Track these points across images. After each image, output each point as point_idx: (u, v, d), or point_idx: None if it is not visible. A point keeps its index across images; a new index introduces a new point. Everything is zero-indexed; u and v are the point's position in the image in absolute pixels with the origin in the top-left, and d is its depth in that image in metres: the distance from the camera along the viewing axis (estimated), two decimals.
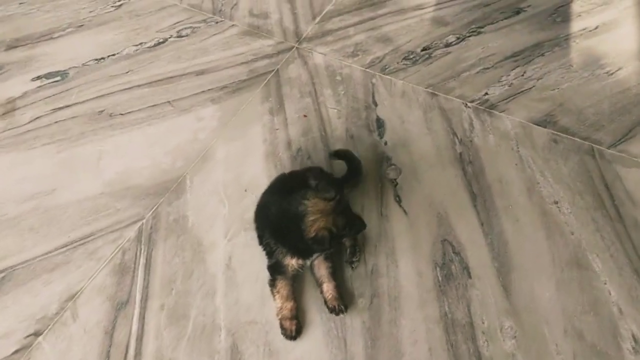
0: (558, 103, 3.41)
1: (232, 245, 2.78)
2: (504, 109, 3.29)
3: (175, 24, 4.15)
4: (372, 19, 4.08)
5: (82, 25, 4.21)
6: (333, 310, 2.49)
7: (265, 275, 2.58)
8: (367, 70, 3.58)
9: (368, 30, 3.89)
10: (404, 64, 3.61)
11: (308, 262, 2.56)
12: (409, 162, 3.06)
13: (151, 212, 3.03)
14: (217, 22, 4.15)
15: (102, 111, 3.56)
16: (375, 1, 4.21)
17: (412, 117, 3.29)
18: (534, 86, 3.52)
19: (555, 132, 3.18)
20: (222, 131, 3.33)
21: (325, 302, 2.53)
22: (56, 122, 3.53)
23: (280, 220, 2.44)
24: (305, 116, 3.44)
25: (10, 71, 3.85)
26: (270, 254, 2.56)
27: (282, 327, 2.48)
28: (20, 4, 4.40)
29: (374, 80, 3.51)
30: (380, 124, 3.29)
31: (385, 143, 3.19)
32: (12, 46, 4.04)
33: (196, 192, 3.14)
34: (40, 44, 4.07)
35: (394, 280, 2.59)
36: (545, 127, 3.17)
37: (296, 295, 2.55)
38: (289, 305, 2.50)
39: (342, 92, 3.46)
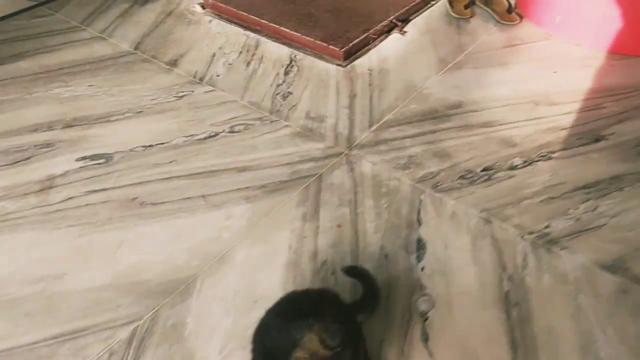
0: (633, 247, 2.93)
1: None
2: (566, 246, 2.86)
3: (230, 119, 4.14)
4: (432, 132, 3.85)
5: (140, 112, 4.30)
6: None
7: None
8: (417, 185, 3.28)
9: (426, 144, 3.68)
10: (459, 183, 3.31)
11: None
12: (445, 295, 2.70)
13: (151, 313, 2.84)
14: (271, 122, 4.09)
15: (135, 198, 3.51)
16: (440, 114, 3.99)
17: (458, 243, 2.96)
18: (605, 224, 3.08)
19: (626, 281, 2.69)
20: (249, 232, 3.15)
21: None
22: (87, 204, 3.50)
23: (277, 347, 2.12)
24: (339, 226, 3.20)
25: (59, 149, 3.94)
26: None
27: None
28: (90, 85, 4.58)
29: (422, 197, 3.22)
30: (420, 245, 2.97)
31: (422, 269, 2.84)
32: (69, 125, 4.18)
33: (204, 297, 2.94)
34: (95, 125, 4.17)
35: None
36: (614, 273, 2.71)
37: None
38: None
39: (385, 206, 3.19)
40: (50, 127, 4.25)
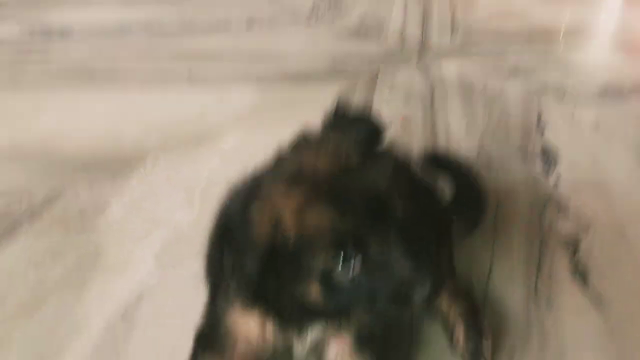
0: None
1: (161, 277, 1.46)
2: None
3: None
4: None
5: None
6: None
7: None
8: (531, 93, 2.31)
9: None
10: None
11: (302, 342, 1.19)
12: (608, 220, 1.67)
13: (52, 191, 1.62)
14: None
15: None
16: None
17: (614, 156, 1.97)
18: None
19: None
20: (251, 119, 2.22)
21: None
22: None
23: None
24: (404, 119, 2.04)
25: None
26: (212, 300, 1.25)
27: None
28: None
29: (541, 105, 2.32)
30: (547, 154, 1.97)
31: (556, 183, 1.82)
32: None
33: (154, 180, 1.82)
34: None
35: None
36: None
37: None
38: None
39: (482, 109, 2.27)
40: None
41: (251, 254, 0.96)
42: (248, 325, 1.13)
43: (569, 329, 1.30)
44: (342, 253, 0.96)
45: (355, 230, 0.97)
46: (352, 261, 0.97)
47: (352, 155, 1.05)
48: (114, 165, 1.85)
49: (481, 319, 1.24)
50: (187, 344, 1.20)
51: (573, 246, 1.53)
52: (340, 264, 0.97)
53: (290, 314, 1.11)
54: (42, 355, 1.22)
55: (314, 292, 1.04)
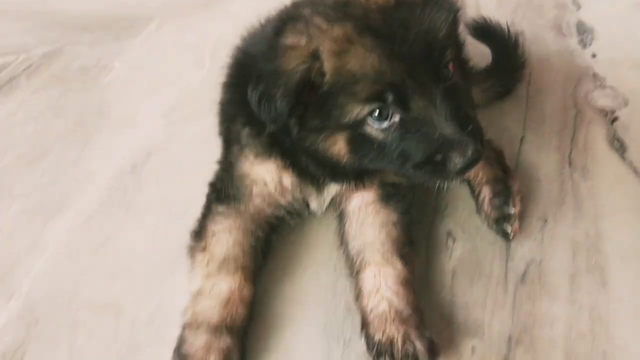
0: None
1: (170, 134, 1.38)
2: None
3: None
4: None
5: None
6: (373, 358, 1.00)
7: None
8: None
9: None
10: None
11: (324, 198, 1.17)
12: None
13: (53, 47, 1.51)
14: None
15: None
16: None
17: None
18: None
19: None
20: None
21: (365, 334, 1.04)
22: None
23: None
24: None
25: None
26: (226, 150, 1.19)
27: (180, 350, 0.95)
28: None
29: None
30: (583, 29, 1.82)
31: (594, 55, 1.69)
32: None
33: (160, 42, 1.70)
34: None
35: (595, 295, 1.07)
36: None
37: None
38: (230, 285, 1.04)
39: None
40: None
41: (282, 87, 0.86)
42: (264, 175, 1.08)
43: (606, 194, 1.24)
44: (381, 105, 0.89)
45: (400, 82, 0.88)
46: (390, 116, 0.91)
47: None
48: (117, 27, 1.74)
49: (510, 186, 1.16)
50: (199, 199, 1.14)
51: (610, 119, 1.45)
52: (377, 116, 0.90)
53: (310, 166, 1.04)
54: (46, 203, 1.18)
55: (340, 144, 0.95)
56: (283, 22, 0.94)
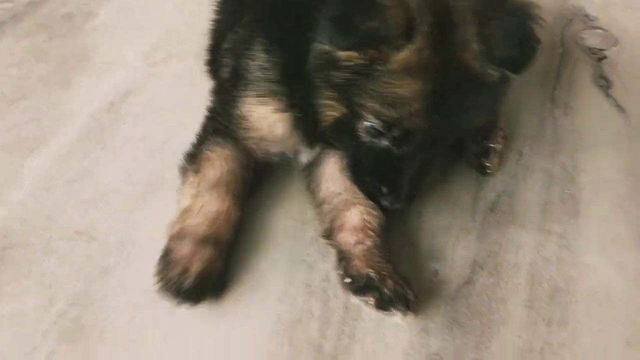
0: None
1: (150, 74, 1.39)
2: None
3: None
4: None
5: None
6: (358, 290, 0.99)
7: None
8: None
9: None
10: None
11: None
12: (637, 38, 1.55)
13: None
14: None
15: None
16: None
17: None
18: None
19: None
20: None
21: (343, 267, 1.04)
22: None
23: None
24: None
25: None
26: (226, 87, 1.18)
27: (165, 257, 0.98)
28: None
29: None
30: None
31: None
32: None
33: None
34: None
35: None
36: None
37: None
38: (218, 207, 1.07)
39: None
40: None
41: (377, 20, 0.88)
42: (263, 120, 1.09)
43: (586, 129, 1.26)
44: (387, 128, 0.94)
45: (415, 130, 0.93)
46: (382, 136, 0.95)
47: None
48: None
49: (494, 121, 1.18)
50: (175, 136, 1.18)
51: (598, 57, 1.45)
52: (374, 127, 0.94)
53: (310, 119, 1.05)
54: (26, 140, 1.20)
55: (333, 114, 0.98)
56: None
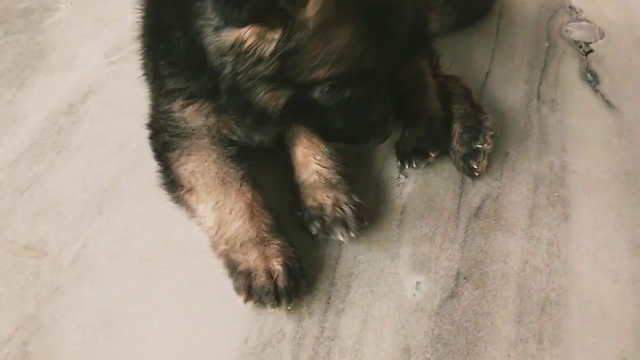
0: None
1: (110, 73, 1.31)
2: None
3: None
4: None
5: None
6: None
7: None
8: None
9: None
10: None
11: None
12: (624, 31, 1.49)
13: None
14: None
15: None
16: None
17: None
18: None
19: None
20: None
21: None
22: None
23: None
24: None
25: None
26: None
27: (238, 272, 0.96)
28: None
29: None
30: None
31: None
32: None
33: None
34: None
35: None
36: None
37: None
38: (243, 200, 1.04)
39: None
40: None
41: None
42: (199, 119, 1.03)
43: (574, 127, 1.19)
44: (343, 81, 0.88)
45: (371, 69, 0.89)
46: (343, 89, 0.90)
47: None
48: None
49: (482, 121, 1.11)
50: (134, 137, 1.10)
51: (585, 51, 1.39)
52: (331, 86, 0.89)
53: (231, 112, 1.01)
54: None
55: (281, 100, 0.90)
56: None
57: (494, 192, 1.02)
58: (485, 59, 1.34)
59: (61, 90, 1.25)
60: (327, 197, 0.99)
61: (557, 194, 1.02)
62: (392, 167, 1.08)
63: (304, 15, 0.82)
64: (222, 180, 1.04)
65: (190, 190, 1.03)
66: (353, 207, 0.98)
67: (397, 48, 0.89)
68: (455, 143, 1.13)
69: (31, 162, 1.07)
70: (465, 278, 0.90)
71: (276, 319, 0.86)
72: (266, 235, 0.98)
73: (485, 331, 0.84)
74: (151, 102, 1.10)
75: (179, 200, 1.05)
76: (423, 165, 1.12)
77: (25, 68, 1.32)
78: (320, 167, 1.05)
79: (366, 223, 0.99)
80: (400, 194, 1.03)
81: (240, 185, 1.03)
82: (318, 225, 1.00)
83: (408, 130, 1.18)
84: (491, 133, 1.11)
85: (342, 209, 0.99)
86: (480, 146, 1.08)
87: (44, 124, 1.16)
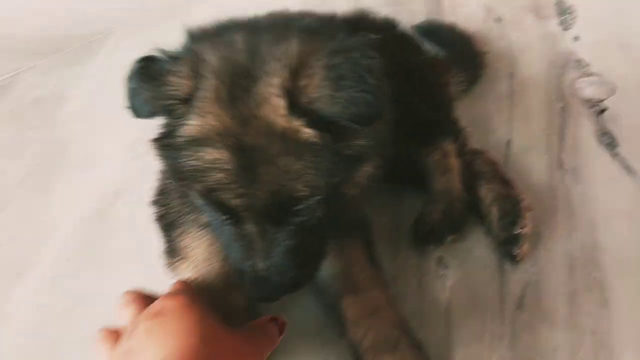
0: None
1: (137, 169, 1.30)
2: None
3: None
4: None
5: None
6: None
7: None
8: None
9: None
10: None
11: None
12: (634, 83, 1.45)
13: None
14: None
15: None
16: None
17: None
18: None
19: None
20: None
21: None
22: None
23: None
24: None
25: None
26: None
27: None
28: None
29: None
30: (564, 10, 1.73)
31: (576, 38, 1.62)
32: None
33: (118, 61, 1.55)
34: None
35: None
36: None
37: None
38: None
39: None
40: None
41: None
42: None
43: (598, 199, 1.18)
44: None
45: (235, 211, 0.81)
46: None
47: None
48: (72, 48, 1.65)
49: (519, 202, 1.09)
50: None
51: (598, 110, 1.38)
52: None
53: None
54: (9, 263, 1.11)
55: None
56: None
57: (533, 279, 1.02)
58: (503, 126, 1.33)
59: (89, 192, 1.23)
60: (392, 356, 0.91)
61: (593, 277, 1.02)
62: (429, 258, 1.06)
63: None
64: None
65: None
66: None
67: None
68: (494, 229, 1.09)
69: (70, 280, 1.06)
70: None
71: None
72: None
73: None
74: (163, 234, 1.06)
75: (172, 266, 1.01)
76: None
77: (48, 168, 1.30)
78: (376, 322, 0.96)
79: None
80: (444, 288, 1.02)
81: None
82: None
83: (426, 210, 1.16)
84: (529, 213, 1.09)
85: None
86: (520, 231, 1.06)
87: (77, 233, 1.14)
